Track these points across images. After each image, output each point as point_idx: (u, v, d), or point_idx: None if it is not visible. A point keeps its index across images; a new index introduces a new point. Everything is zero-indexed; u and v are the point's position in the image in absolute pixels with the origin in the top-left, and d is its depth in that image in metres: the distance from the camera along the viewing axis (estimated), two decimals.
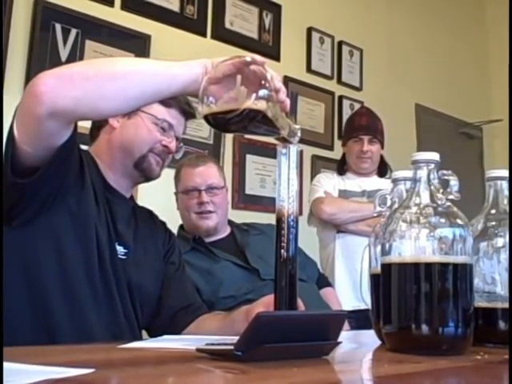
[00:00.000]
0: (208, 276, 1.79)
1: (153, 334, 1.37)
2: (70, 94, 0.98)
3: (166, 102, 1.33)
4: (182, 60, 1.03)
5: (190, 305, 1.42)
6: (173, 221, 1.67)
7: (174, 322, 1.37)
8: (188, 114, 1.40)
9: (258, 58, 0.91)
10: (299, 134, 0.92)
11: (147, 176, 1.37)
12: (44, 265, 1.18)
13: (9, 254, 1.12)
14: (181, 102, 1.37)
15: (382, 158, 2.62)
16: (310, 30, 3.68)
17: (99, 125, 1.38)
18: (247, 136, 3.24)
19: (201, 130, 3.05)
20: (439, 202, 0.89)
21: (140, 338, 1.30)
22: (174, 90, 1.04)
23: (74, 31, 2.67)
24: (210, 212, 1.92)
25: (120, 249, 1.29)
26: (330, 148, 3.64)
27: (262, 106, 0.82)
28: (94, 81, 0.99)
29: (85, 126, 1.37)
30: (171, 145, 1.35)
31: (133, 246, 1.33)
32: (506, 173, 1.04)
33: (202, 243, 1.91)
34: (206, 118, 0.85)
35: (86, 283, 1.20)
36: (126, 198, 1.39)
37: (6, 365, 0.59)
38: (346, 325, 1.78)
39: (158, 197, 2.06)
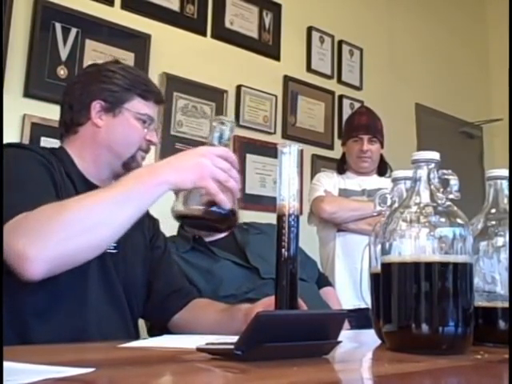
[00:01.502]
0: (208, 275, 1.79)
1: (145, 317, 1.39)
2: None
3: (145, 95, 1.33)
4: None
5: (180, 289, 1.42)
6: (173, 220, 1.66)
7: (165, 306, 1.38)
8: (161, 102, 1.40)
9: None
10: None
11: None
12: None
13: None
14: (155, 94, 1.37)
15: (381, 157, 2.62)
16: (310, 30, 3.68)
17: (79, 122, 1.32)
18: (247, 135, 3.25)
19: (201, 130, 3.05)
20: (439, 202, 0.88)
21: (135, 334, 1.30)
22: (140, 213, 1.10)
23: (74, 30, 2.67)
24: None
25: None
26: (330, 147, 3.64)
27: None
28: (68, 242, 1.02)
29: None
30: (154, 138, 1.35)
31: (122, 238, 1.32)
32: (505, 172, 1.04)
33: (201, 242, 1.90)
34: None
35: (75, 284, 1.19)
36: None
37: (5, 364, 0.59)
38: (346, 324, 1.78)
39: None
